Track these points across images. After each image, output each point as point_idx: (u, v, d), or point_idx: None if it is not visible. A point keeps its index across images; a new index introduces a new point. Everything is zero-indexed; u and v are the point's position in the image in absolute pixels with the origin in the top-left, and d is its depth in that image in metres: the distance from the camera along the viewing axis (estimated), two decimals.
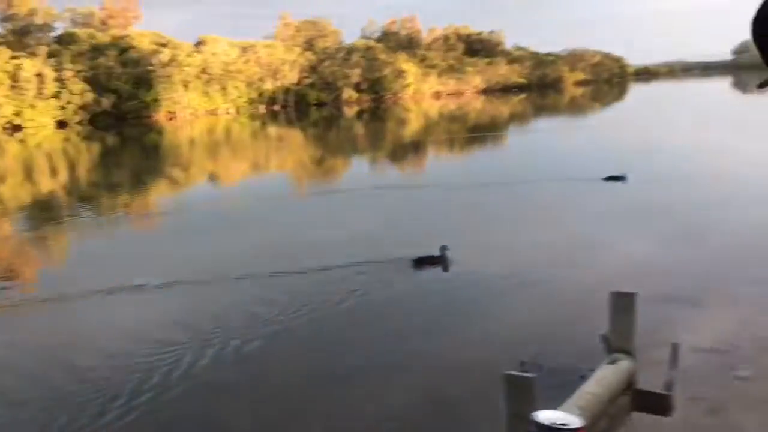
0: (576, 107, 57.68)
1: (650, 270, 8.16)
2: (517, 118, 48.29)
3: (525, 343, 6.06)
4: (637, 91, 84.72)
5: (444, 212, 13.24)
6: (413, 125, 47.06)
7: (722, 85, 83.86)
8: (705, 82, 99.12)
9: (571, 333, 6.20)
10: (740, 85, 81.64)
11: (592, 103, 62.12)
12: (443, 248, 8.77)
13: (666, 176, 15.36)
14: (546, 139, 28.88)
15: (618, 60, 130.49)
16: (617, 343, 3.82)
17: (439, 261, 8.72)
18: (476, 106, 66.81)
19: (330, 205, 15.57)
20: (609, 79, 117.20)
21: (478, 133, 35.37)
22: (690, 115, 37.50)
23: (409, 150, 30.01)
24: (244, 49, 78.83)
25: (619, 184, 14.51)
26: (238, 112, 74.49)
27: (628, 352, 3.79)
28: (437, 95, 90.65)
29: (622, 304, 3.79)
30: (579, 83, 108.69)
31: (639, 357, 4.03)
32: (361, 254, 9.49)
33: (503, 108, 60.22)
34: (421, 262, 8.77)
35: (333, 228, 12.18)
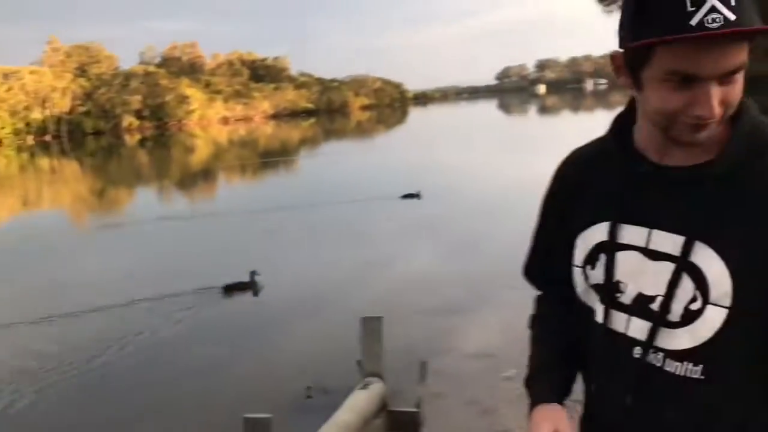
0: (363, 130, 59.60)
1: (435, 282, 8.49)
2: (308, 142, 48.74)
3: (318, 367, 5.97)
4: (416, 114, 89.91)
5: (244, 239, 12.72)
6: (202, 152, 45.52)
7: (489, 107, 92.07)
8: (475, 105, 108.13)
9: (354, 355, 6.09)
10: (504, 107, 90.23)
11: (378, 126, 64.57)
12: (252, 273, 8.69)
13: (453, 191, 16.23)
14: (341, 161, 29.32)
15: (398, 86, 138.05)
16: (369, 367, 3.83)
17: (248, 286, 8.66)
18: (266, 131, 66.52)
19: (114, 239, 14.29)
20: (390, 104, 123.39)
21: (271, 158, 35.07)
22: (467, 134, 40.41)
23: (199, 178, 28.86)
24: (6, 76, 71.37)
25: (415, 200, 15.16)
26: (1, 144, 67.00)
27: (379, 375, 3.81)
28: (225, 121, 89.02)
29: (371, 328, 3.82)
30: (364, 108, 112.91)
31: (403, 376, 4.23)
32: (150, 289, 8.78)
33: (294, 133, 60.57)
34: (230, 289, 8.66)
35: (118, 263, 11.13)
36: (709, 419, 1.09)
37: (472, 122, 57.43)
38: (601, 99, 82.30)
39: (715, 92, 0.98)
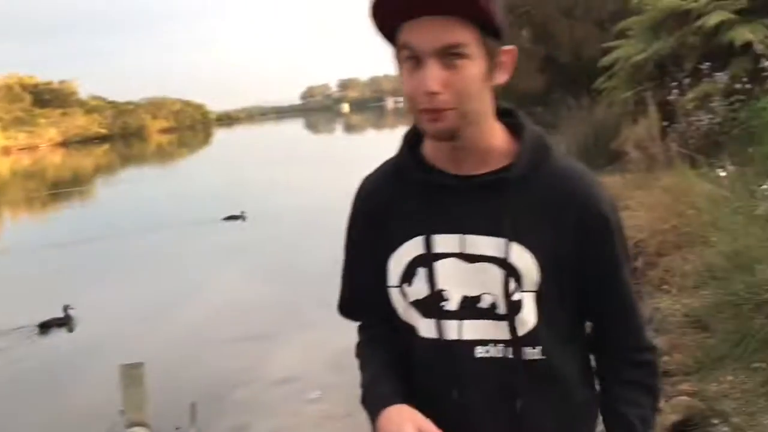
0: (165, 155, 57.10)
1: (243, 309, 8.25)
2: (103, 170, 45.55)
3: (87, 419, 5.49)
4: (221, 135, 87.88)
5: (43, 274, 11.42)
6: None
7: (296, 127, 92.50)
8: (281, 125, 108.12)
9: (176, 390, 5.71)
10: (311, 127, 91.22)
11: (181, 150, 62.31)
12: (66, 307, 8.35)
13: (271, 211, 15.81)
14: (148, 187, 27.63)
15: (199, 107, 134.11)
16: (132, 417, 3.67)
17: (64, 321, 8.33)
18: (55, 160, 61.29)
19: None
20: (192, 126, 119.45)
21: (64, 188, 32.20)
22: (277, 154, 40.09)
23: None
24: None
25: (238, 222, 14.69)
26: None
27: (143, 424, 3.67)
28: (6, 151, 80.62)
29: (132, 375, 3.65)
30: (163, 131, 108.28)
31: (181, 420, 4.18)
32: None
33: (86, 161, 56.38)
34: (46, 326, 8.26)
35: None
36: (562, 398, 1.19)
37: (280, 141, 57.30)
38: (401, 116, 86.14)
39: (433, 68, 1.04)
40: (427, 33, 1.03)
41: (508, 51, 1.12)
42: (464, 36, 1.03)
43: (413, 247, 1.18)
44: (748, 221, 4.26)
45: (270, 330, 7.40)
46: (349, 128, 77.94)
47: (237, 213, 14.93)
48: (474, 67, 1.05)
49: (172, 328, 7.93)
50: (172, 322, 8.16)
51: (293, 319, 7.59)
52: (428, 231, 1.16)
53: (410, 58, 1.06)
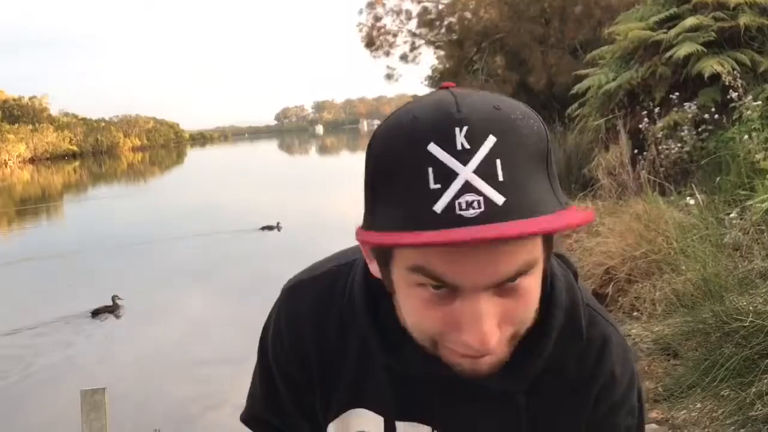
0: (137, 173, 56.53)
1: (212, 330, 8.12)
2: (73, 187, 44.90)
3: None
4: (195, 154, 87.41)
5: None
6: None
7: (271, 146, 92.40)
8: (256, 145, 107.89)
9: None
10: (285, 147, 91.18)
11: (152, 168, 61.77)
12: (114, 297, 9.31)
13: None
14: (119, 205, 27.31)
15: (173, 126, 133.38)
16: None
17: (112, 309, 9.29)
18: (23, 176, 60.29)
19: None
20: (165, 144, 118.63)
21: (33, 204, 31.60)
22: (254, 173, 39.92)
23: None
24: None
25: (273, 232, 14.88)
26: None
27: None
28: None
29: (93, 401, 3.58)
30: (135, 149, 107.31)
31: None
32: None
33: (56, 177, 55.57)
34: (97, 312, 9.18)
35: None
36: None
37: (256, 161, 57.14)
38: None
39: (488, 308, 0.68)
40: (481, 267, 0.67)
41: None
42: (537, 249, 0.71)
43: (366, 425, 0.90)
44: (716, 249, 4.30)
45: (241, 351, 7.30)
46: (323, 150, 78.08)
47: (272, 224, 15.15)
48: (537, 276, 0.73)
49: (139, 348, 7.79)
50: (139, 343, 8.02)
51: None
52: (393, 416, 0.88)
53: (436, 287, 0.70)
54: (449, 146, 0.64)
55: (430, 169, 0.64)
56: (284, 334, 0.93)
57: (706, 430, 3.12)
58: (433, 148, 0.64)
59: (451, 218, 0.63)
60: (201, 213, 19.63)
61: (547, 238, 0.73)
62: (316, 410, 0.94)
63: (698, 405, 3.29)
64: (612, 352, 0.86)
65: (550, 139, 0.71)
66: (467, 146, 0.64)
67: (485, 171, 0.63)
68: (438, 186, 0.64)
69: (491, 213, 0.63)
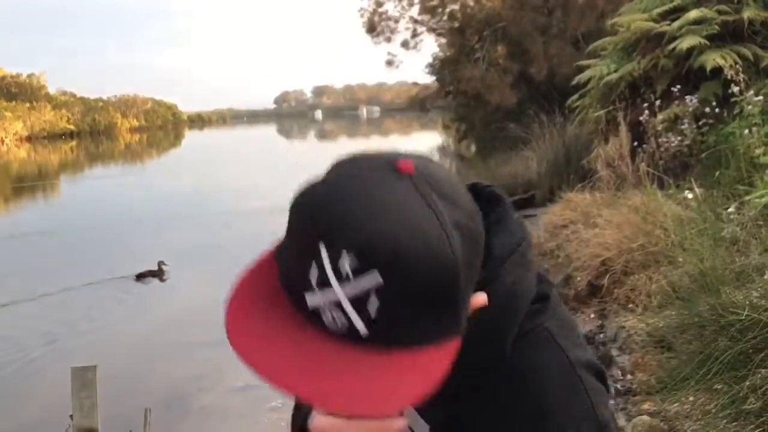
0: (134, 154, 56.33)
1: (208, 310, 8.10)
2: (70, 166, 44.74)
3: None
4: (193, 137, 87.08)
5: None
6: None
7: (270, 131, 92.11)
8: (254, 129, 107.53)
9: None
10: (284, 132, 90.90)
11: (150, 150, 61.52)
12: (160, 263, 9.96)
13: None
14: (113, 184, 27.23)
15: (171, 107, 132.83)
16: (82, 423, 3.61)
17: (157, 273, 9.94)
18: (20, 154, 60.04)
19: None
20: (163, 126, 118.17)
21: (31, 182, 31.50)
22: (254, 157, 39.83)
23: None
24: None
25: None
26: None
27: (93, 430, 3.61)
28: None
29: (84, 379, 3.59)
30: (133, 130, 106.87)
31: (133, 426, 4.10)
32: None
33: (53, 156, 55.34)
34: (142, 276, 9.87)
35: None
36: None
37: (253, 145, 56.89)
38: (375, 126, 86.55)
39: None
40: None
41: None
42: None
43: None
44: (714, 243, 4.30)
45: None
46: (322, 135, 77.85)
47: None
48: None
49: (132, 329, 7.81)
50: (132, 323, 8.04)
51: None
52: None
53: None
54: (334, 257, 0.63)
55: (314, 264, 0.64)
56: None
57: (698, 422, 3.12)
58: (323, 251, 0.63)
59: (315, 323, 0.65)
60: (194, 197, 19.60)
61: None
62: None
63: (691, 398, 3.29)
64: (543, 385, 0.79)
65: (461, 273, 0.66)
66: (348, 272, 0.62)
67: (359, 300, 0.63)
68: (312, 282, 0.64)
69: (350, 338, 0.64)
